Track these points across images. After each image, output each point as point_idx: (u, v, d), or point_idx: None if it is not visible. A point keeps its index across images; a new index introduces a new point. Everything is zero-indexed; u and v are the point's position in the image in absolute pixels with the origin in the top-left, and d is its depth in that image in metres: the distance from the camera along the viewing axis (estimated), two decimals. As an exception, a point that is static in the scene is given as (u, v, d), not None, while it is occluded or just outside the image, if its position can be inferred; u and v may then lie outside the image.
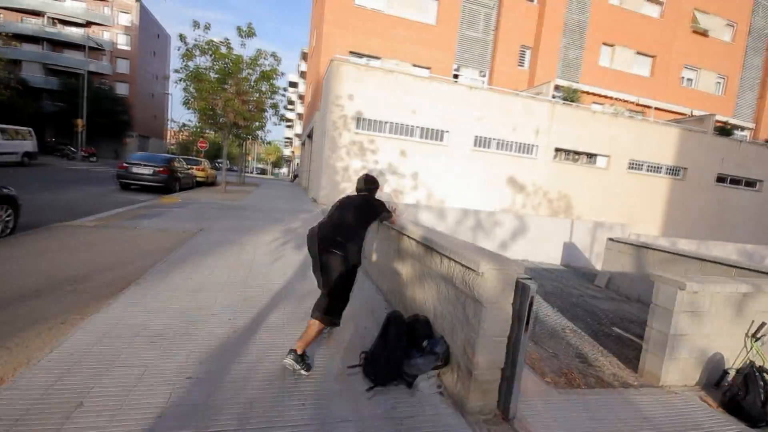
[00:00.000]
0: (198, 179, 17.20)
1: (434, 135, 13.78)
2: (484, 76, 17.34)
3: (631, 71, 19.53)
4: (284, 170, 68.51)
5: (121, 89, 43.46)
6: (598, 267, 9.14)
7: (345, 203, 2.97)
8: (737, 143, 18.36)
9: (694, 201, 17.82)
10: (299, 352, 2.52)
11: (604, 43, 18.87)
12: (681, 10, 19.69)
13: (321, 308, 2.68)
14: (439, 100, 13.58)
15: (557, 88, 16.81)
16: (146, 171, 12.15)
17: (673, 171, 17.38)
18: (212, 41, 14.21)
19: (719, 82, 21.42)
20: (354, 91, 12.66)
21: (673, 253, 5.74)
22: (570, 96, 15.50)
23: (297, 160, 39.34)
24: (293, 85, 55.86)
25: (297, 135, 49.67)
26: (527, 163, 14.98)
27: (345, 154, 12.82)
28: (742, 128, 21.46)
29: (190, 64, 14.06)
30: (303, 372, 2.48)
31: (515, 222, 8.03)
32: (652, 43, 19.54)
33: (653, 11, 19.41)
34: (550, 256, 8.66)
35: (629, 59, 19.47)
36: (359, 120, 12.92)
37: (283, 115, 16.77)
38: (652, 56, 19.77)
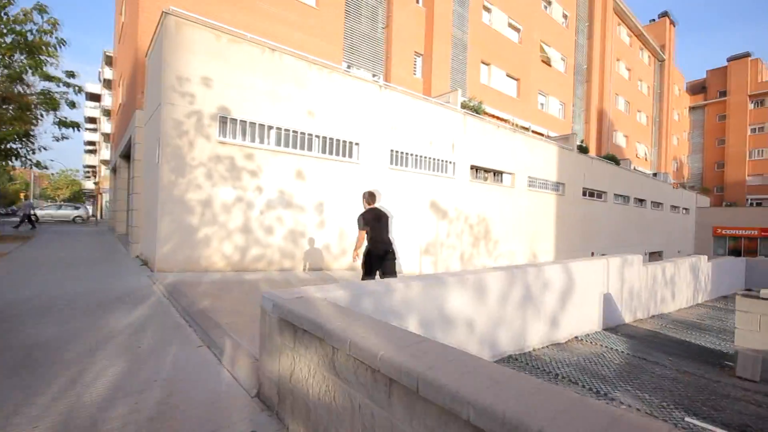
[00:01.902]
0: None
1: (341, 148, 9.65)
2: (378, 80, 14.23)
3: (504, 92, 19.67)
4: (89, 209, 51.26)
5: None
6: (627, 319, 6.56)
7: (381, 216, 5.08)
8: (590, 160, 20.28)
9: (572, 215, 18.55)
10: None
11: (482, 62, 18.43)
12: (532, 39, 21.16)
13: None
14: (345, 100, 9.61)
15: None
16: None
17: (557, 187, 17.68)
18: None
19: (560, 108, 24.00)
20: (212, 72, 7.53)
21: None
22: (476, 108, 13.75)
23: (106, 196, 28.59)
24: (94, 97, 42.68)
25: (104, 162, 37.26)
26: (446, 184, 12.30)
27: (204, 178, 7.41)
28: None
29: None
30: None
31: (561, 276, 4.71)
32: (515, 66, 20.23)
33: (514, 36, 20.21)
34: (591, 318, 5.59)
35: (502, 80, 19.61)
36: (225, 121, 7.77)
37: (67, 120, 9.82)
38: (517, 79, 20.49)
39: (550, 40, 22.56)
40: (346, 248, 9.64)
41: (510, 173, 14.98)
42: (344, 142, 9.67)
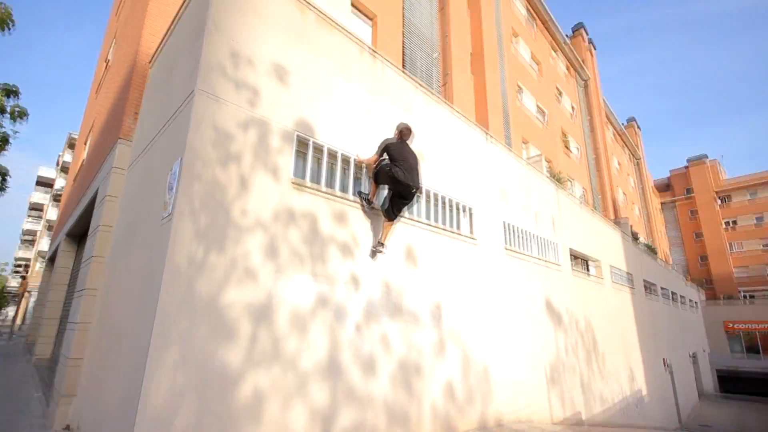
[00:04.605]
0: None
1: (453, 215, 6.06)
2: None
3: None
4: (11, 311, 41.30)
5: None
6: None
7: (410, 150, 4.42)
8: (641, 250, 17.90)
9: (643, 314, 15.23)
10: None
11: (523, 140, 16.69)
12: (555, 124, 20.33)
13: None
14: (450, 145, 6.38)
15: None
16: None
17: (629, 280, 14.64)
18: None
19: (581, 195, 22.49)
20: (290, 61, 4.07)
21: None
22: (560, 179, 11.09)
23: (32, 298, 22.16)
24: (45, 184, 37.52)
25: (41, 254, 30.72)
26: (555, 276, 8.74)
27: (263, 256, 3.37)
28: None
29: None
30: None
31: None
32: (547, 148, 18.81)
33: (541, 119, 19.19)
34: None
35: (538, 161, 17.80)
36: (304, 149, 4.08)
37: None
38: (549, 161, 18.88)
39: (566, 128, 21.99)
40: (473, 387, 5.36)
41: (595, 261, 11.82)
42: (456, 204, 6.13)
